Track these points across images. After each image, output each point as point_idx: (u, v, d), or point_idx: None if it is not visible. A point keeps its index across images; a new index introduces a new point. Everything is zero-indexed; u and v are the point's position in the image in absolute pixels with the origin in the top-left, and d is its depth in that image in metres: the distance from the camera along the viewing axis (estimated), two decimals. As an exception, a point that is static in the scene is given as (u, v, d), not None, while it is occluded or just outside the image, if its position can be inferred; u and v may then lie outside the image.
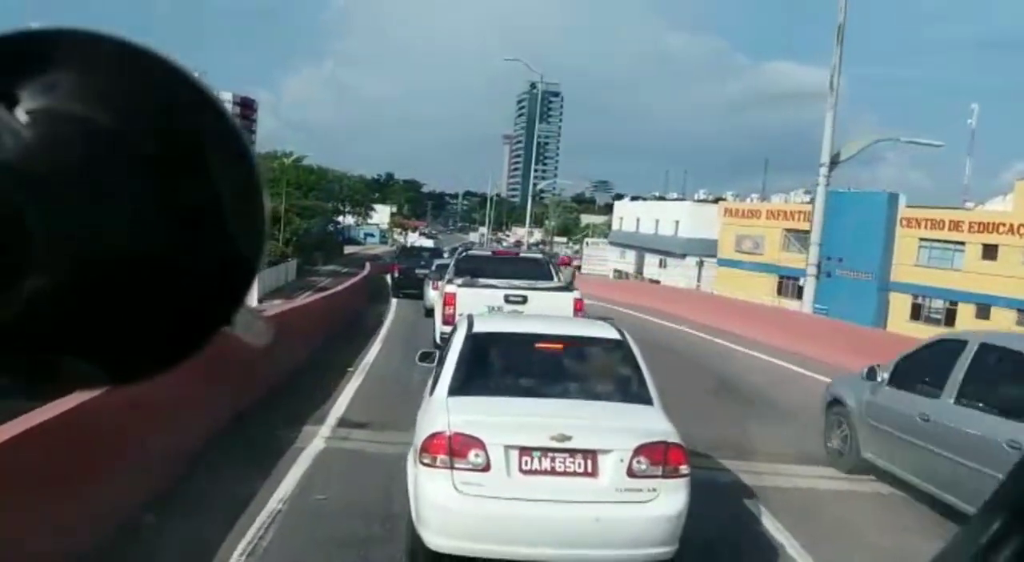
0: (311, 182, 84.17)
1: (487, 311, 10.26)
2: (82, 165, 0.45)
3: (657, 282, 54.79)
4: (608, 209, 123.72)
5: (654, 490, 4.41)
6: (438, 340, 11.10)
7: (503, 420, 4.59)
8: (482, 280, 12.09)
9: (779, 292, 49.38)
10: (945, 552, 0.87)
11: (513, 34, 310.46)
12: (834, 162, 18.69)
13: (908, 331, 31.96)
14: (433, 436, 4.47)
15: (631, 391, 5.05)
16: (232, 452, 6.67)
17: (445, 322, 11.11)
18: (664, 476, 4.43)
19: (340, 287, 22.07)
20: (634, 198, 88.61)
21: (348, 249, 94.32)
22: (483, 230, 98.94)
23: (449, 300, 11.65)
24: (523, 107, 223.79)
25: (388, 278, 29.66)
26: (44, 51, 0.46)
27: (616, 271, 68.00)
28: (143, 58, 0.47)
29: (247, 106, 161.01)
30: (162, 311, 0.49)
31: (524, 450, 4.40)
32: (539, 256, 15.16)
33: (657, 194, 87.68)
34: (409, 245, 48.74)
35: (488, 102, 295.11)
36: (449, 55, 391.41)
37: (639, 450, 4.41)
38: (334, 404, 9.13)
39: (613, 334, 5.54)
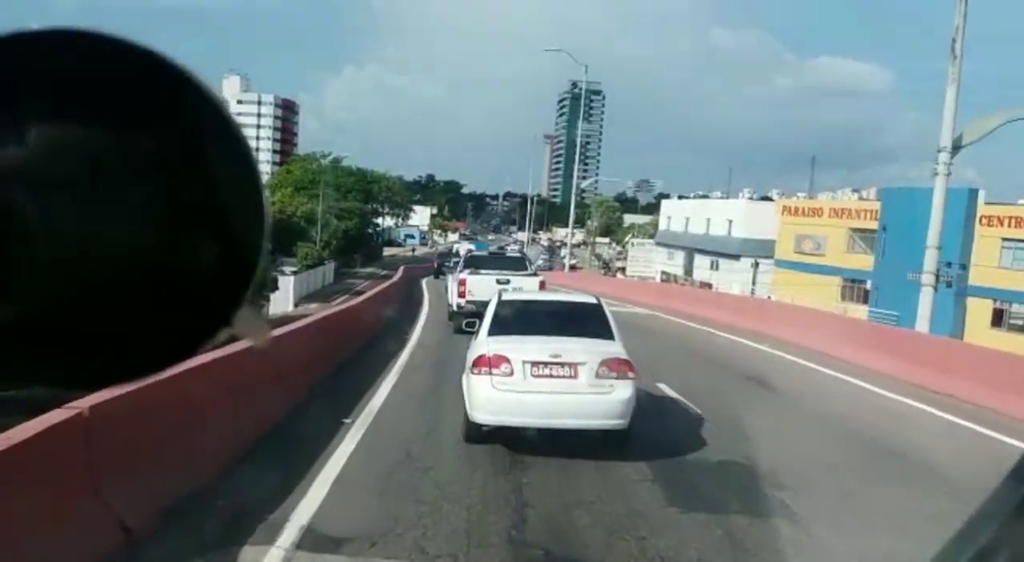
0: (350, 183, 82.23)
1: (486, 288, 15.53)
2: (83, 165, 0.45)
3: (709, 286, 51.28)
4: (651, 208, 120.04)
5: (611, 386, 7.35)
6: (454, 308, 17.96)
7: (521, 346, 7.61)
8: (482, 270, 18.40)
9: (843, 297, 45.67)
10: (942, 554, 0.86)
11: (554, 34, 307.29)
12: (956, 146, 15.18)
13: (989, 340, 28.46)
14: (480, 357, 7.53)
15: (601, 332, 8.03)
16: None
17: (459, 296, 17.73)
18: (617, 378, 7.38)
19: (353, 302, 19.67)
20: (680, 197, 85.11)
21: (388, 251, 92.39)
22: (515, 230, 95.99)
23: (462, 282, 17.95)
24: (564, 107, 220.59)
25: (428, 278, 40.11)
26: (45, 52, 0.45)
27: (663, 273, 64.46)
28: (144, 58, 0.47)
29: (289, 108, 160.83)
30: (163, 310, 0.48)
31: (534, 364, 7.40)
32: (519, 255, 22.12)
33: (700, 193, 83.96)
34: (445, 249, 66.22)
35: (529, 103, 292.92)
36: (490, 58, 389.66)
37: (602, 363, 7.40)
38: (303, 496, 5.90)
39: (592, 300, 8.88)
